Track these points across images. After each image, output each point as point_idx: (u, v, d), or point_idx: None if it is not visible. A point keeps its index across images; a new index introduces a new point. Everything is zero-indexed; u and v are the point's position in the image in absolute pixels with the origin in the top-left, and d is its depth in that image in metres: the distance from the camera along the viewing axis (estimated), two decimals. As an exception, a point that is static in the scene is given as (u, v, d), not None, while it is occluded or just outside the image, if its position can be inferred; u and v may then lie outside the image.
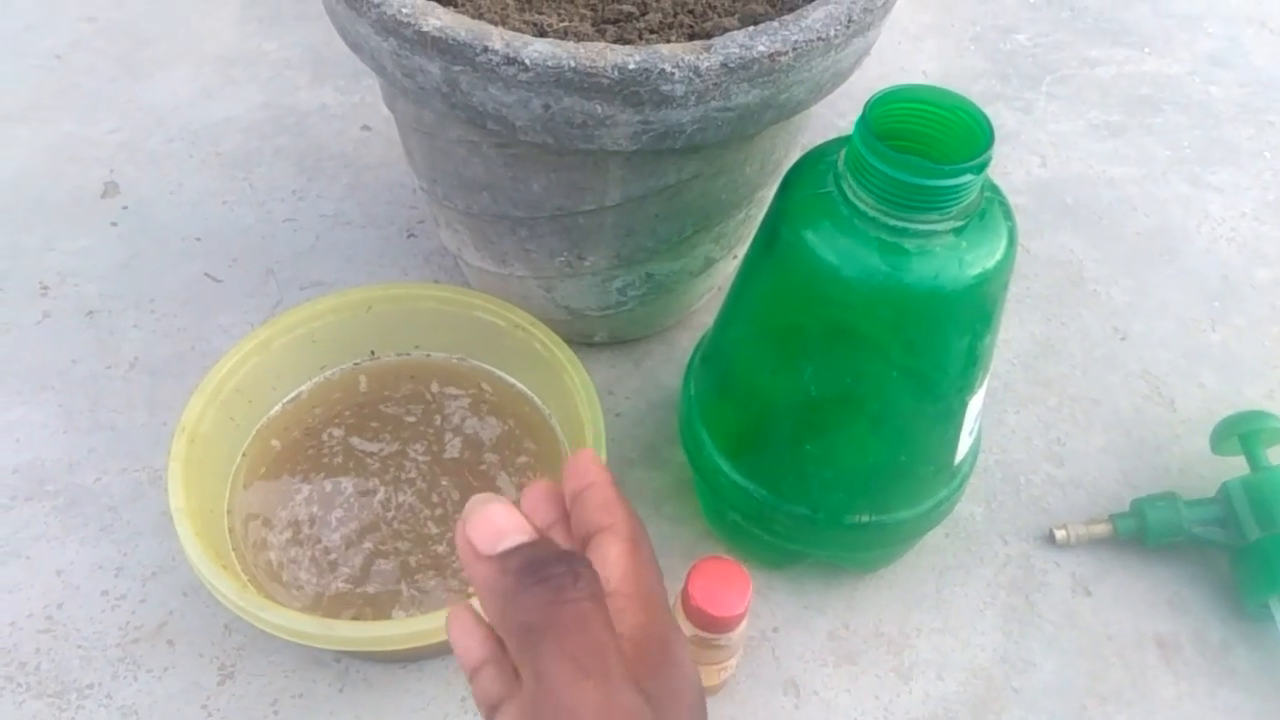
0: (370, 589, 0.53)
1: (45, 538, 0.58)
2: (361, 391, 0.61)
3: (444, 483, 0.57)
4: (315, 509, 0.56)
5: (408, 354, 0.62)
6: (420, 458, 0.58)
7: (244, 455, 0.57)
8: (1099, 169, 0.84)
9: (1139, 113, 0.88)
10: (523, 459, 0.58)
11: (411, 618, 0.46)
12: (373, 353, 0.62)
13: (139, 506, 0.60)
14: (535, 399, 0.60)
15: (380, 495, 0.57)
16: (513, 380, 0.61)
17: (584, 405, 0.54)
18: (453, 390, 0.61)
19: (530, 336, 0.58)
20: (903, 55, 0.92)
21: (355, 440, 0.59)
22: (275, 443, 0.58)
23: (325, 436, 0.59)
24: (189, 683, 0.54)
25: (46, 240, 0.73)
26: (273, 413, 0.59)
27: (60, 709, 0.52)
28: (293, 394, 0.60)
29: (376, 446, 0.59)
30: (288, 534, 0.55)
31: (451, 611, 0.31)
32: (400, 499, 0.56)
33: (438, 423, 0.59)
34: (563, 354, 0.57)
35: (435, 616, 0.46)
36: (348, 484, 0.57)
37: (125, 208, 0.75)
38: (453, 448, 0.58)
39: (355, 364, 0.61)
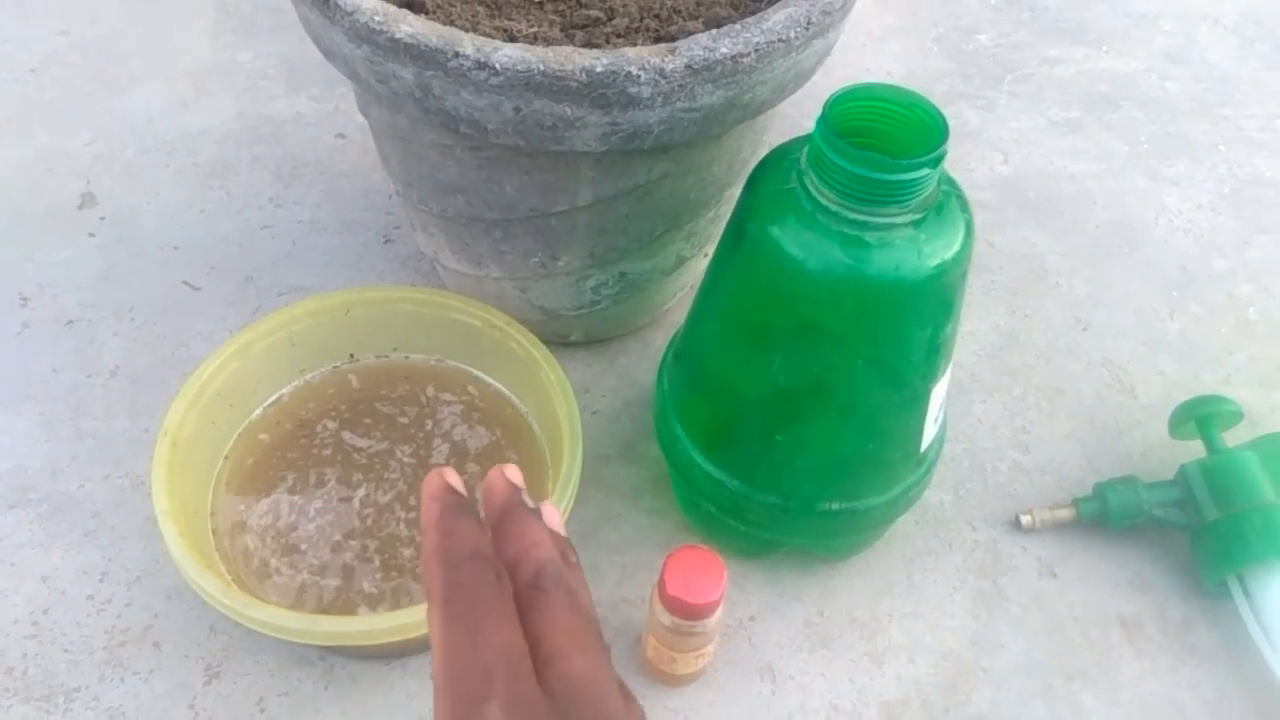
0: (334, 582, 0.54)
1: (30, 544, 0.59)
2: (355, 388, 0.62)
3: None
4: (297, 498, 0.57)
5: (386, 356, 0.63)
6: (406, 459, 0.59)
7: (226, 458, 0.58)
8: (1060, 164, 0.86)
9: (1097, 109, 0.91)
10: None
11: (395, 612, 0.47)
12: (352, 355, 0.62)
13: (122, 512, 0.60)
14: (514, 399, 0.61)
15: (361, 492, 0.57)
16: (491, 380, 0.62)
17: (560, 402, 0.55)
18: (447, 396, 0.61)
19: (506, 336, 0.59)
20: (867, 56, 0.94)
21: (347, 434, 0.60)
22: (264, 436, 0.59)
23: (319, 428, 0.60)
24: (175, 684, 0.54)
25: (25, 252, 0.73)
26: (254, 416, 0.60)
27: (48, 712, 0.53)
28: (273, 397, 0.60)
29: (366, 443, 0.59)
30: (267, 519, 0.56)
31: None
32: (379, 498, 0.57)
33: (429, 427, 0.60)
34: (538, 352, 0.58)
35: (419, 610, 0.47)
36: (331, 476, 0.58)
37: (103, 218, 0.76)
38: (439, 453, 0.59)
39: (335, 367, 0.62)
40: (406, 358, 0.63)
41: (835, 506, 0.54)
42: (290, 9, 0.52)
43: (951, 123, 0.45)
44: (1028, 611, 0.60)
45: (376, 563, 0.55)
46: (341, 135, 0.83)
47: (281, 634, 0.46)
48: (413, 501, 0.57)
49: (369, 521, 0.56)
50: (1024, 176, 0.84)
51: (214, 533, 0.55)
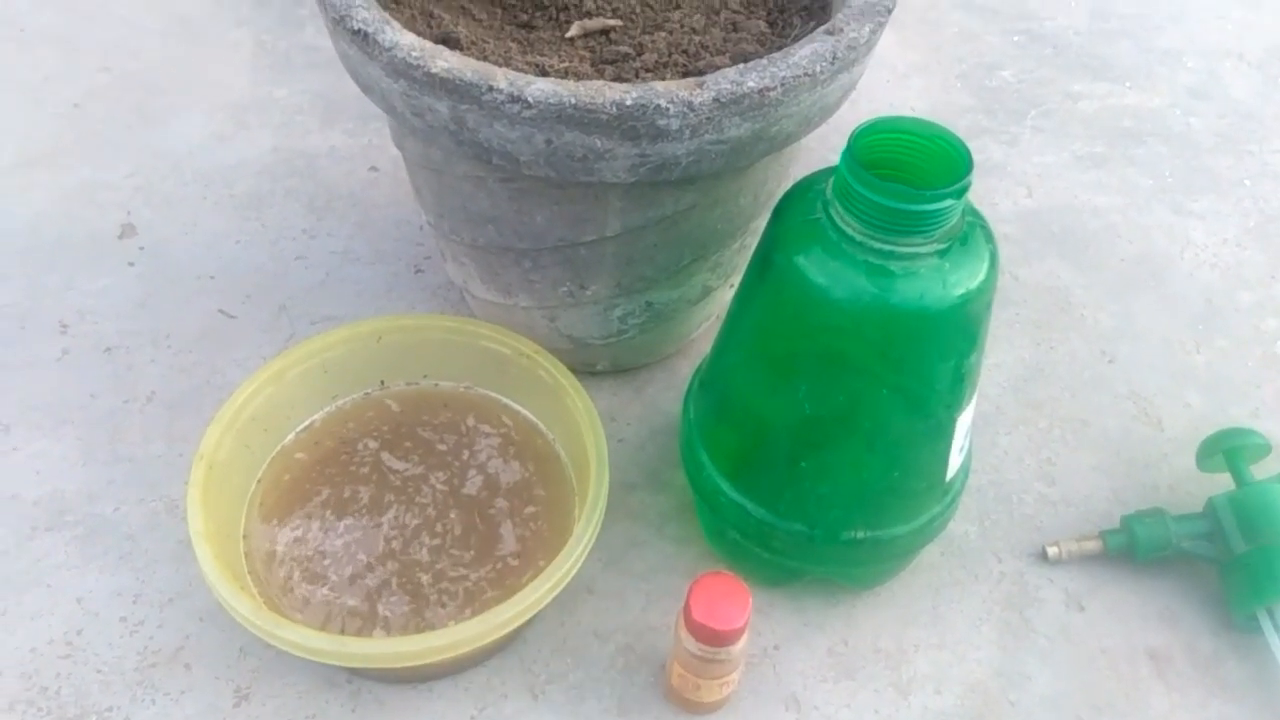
0: (354, 603, 0.55)
1: (65, 566, 0.60)
2: (395, 411, 0.63)
3: (452, 516, 0.59)
4: (329, 514, 0.58)
5: (416, 383, 0.64)
6: (439, 486, 0.60)
7: (259, 482, 0.59)
8: (1084, 198, 0.86)
9: (1121, 144, 0.91)
10: (530, 509, 0.59)
11: (421, 635, 0.47)
12: (383, 382, 0.64)
13: (156, 535, 0.61)
14: (542, 426, 0.62)
15: (391, 514, 0.58)
16: (519, 408, 0.63)
17: (588, 430, 0.56)
18: (486, 428, 0.62)
19: (534, 364, 0.60)
20: (891, 92, 0.95)
21: (386, 455, 0.61)
22: (301, 455, 0.60)
23: (360, 446, 0.61)
24: (205, 705, 0.55)
25: (66, 280, 0.75)
26: (287, 440, 0.61)
27: (81, 731, 0.54)
28: (306, 422, 0.62)
29: (403, 465, 0.60)
30: (298, 533, 0.57)
31: None
32: (408, 521, 0.58)
33: (465, 456, 0.61)
34: (566, 380, 0.59)
35: (447, 633, 0.47)
36: (365, 495, 0.59)
37: (142, 248, 0.78)
38: (472, 484, 0.60)
39: (366, 393, 0.63)
40: (436, 385, 0.64)
41: (860, 535, 0.54)
42: (324, 47, 0.54)
43: (975, 157, 0.45)
44: (1055, 644, 0.59)
45: (394, 585, 0.55)
46: (374, 168, 0.85)
47: (311, 655, 0.47)
48: (439, 529, 0.58)
49: (394, 544, 0.57)
50: (1048, 210, 0.85)
51: (246, 555, 0.56)
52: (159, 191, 0.82)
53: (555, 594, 0.50)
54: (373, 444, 0.61)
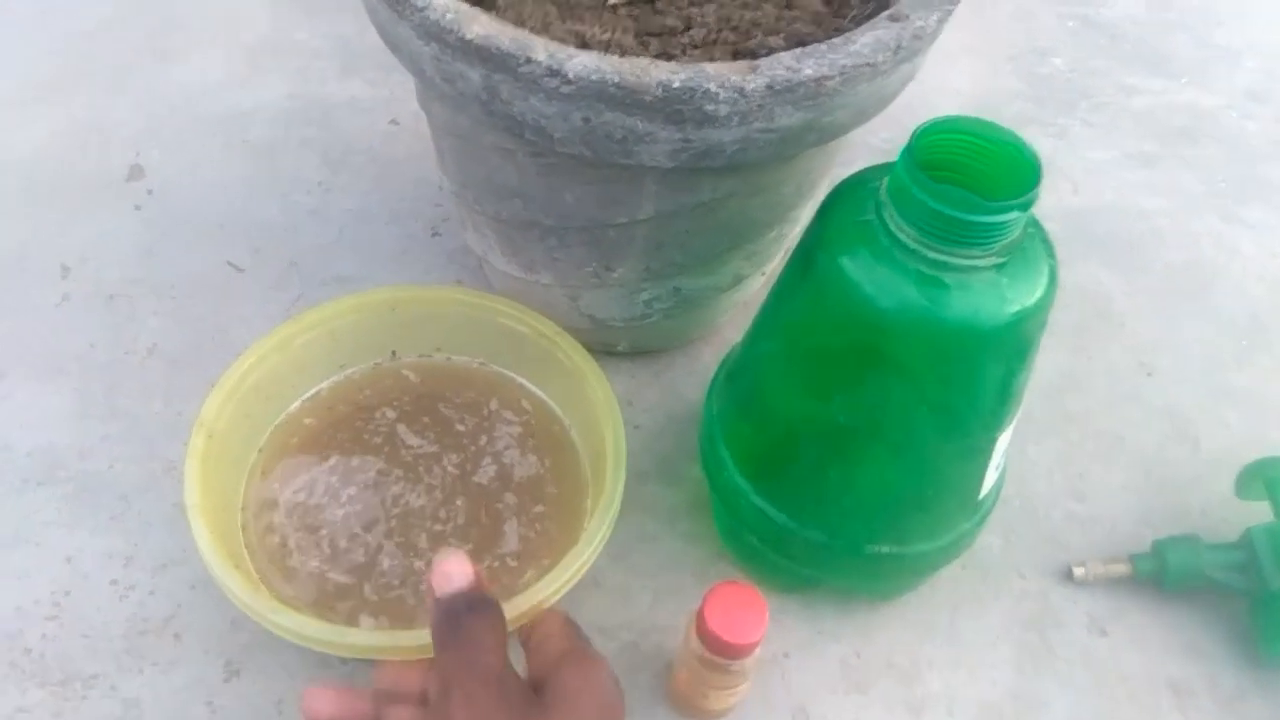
0: (342, 579, 0.53)
1: (55, 524, 0.58)
2: (415, 383, 0.60)
3: (458, 503, 0.56)
4: (335, 479, 0.56)
5: (429, 356, 0.61)
6: (450, 469, 0.57)
7: (260, 451, 0.57)
8: (1131, 199, 0.83)
9: (1174, 144, 0.88)
10: (539, 509, 0.56)
11: (425, 630, 0.45)
12: (394, 353, 0.61)
13: (151, 497, 0.59)
14: (557, 410, 0.60)
15: (396, 490, 0.56)
16: (535, 389, 0.60)
17: (606, 420, 0.54)
18: (509, 415, 0.60)
19: (554, 346, 0.57)
20: (938, 74, 0.91)
21: (403, 428, 0.58)
22: (310, 420, 0.58)
23: (378, 414, 0.59)
24: (194, 678, 0.53)
25: (68, 221, 0.72)
26: (291, 408, 0.58)
27: (64, 698, 0.52)
28: (311, 391, 0.59)
29: (418, 442, 0.58)
30: (300, 495, 0.55)
31: (309, 694, 0.42)
32: (411, 500, 0.56)
33: (482, 442, 0.58)
34: (586, 366, 0.56)
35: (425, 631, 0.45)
36: (373, 466, 0.57)
37: (150, 192, 0.75)
38: (485, 472, 0.57)
39: (375, 363, 0.61)
40: (449, 359, 0.61)
41: (883, 549, 0.52)
42: (354, -8, 0.50)
43: (1029, 148, 0.42)
44: (1074, 669, 0.57)
45: (385, 566, 0.53)
46: (395, 122, 0.82)
47: (308, 643, 0.45)
48: (442, 514, 0.56)
49: (393, 523, 0.55)
50: (1094, 210, 0.81)
51: (243, 527, 0.54)
52: (169, 132, 0.79)
53: (562, 594, 0.47)
54: (390, 414, 0.59)
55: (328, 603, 0.52)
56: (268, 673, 0.54)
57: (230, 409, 0.53)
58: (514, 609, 0.46)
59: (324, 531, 0.54)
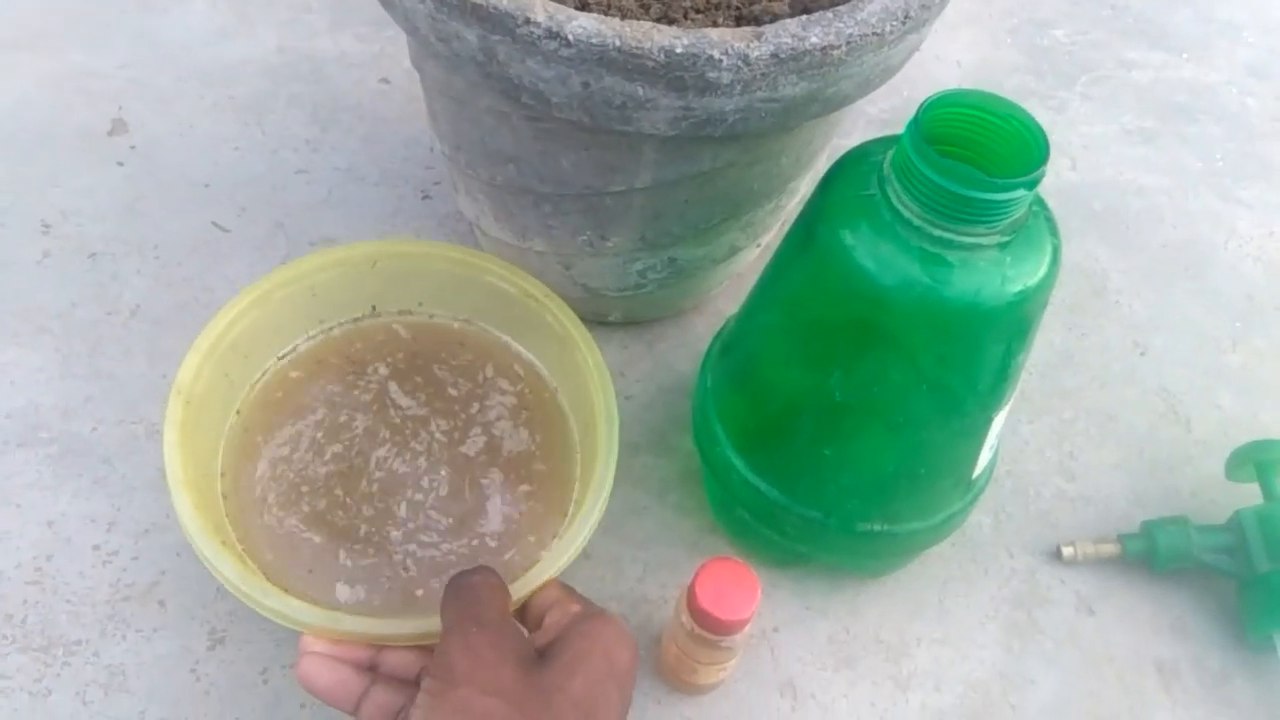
0: (317, 539, 0.51)
1: (37, 486, 0.57)
2: (407, 340, 0.58)
3: (442, 473, 0.54)
4: (320, 435, 0.54)
5: (409, 312, 0.59)
6: (438, 435, 0.55)
7: (238, 413, 0.54)
8: (1129, 176, 0.82)
9: (1173, 120, 0.87)
10: (525, 487, 0.54)
11: (419, 618, 0.44)
12: (374, 308, 0.58)
13: (135, 460, 0.58)
14: (545, 374, 0.58)
15: (381, 452, 0.54)
16: (521, 349, 0.58)
17: (597, 388, 0.52)
18: (504, 384, 0.57)
19: (542, 308, 0.55)
20: (938, 44, 0.90)
21: (394, 386, 0.56)
22: (296, 374, 0.56)
23: (370, 370, 0.57)
24: (178, 645, 0.53)
25: (50, 175, 0.70)
26: (267, 366, 0.56)
27: (46, 664, 0.51)
28: (288, 348, 0.56)
29: (408, 403, 0.56)
30: (284, 450, 0.53)
31: (304, 664, 0.42)
32: (395, 465, 0.54)
33: (474, 410, 0.56)
34: (577, 332, 0.54)
35: (425, 619, 0.44)
36: (360, 424, 0.55)
37: (133, 147, 0.73)
38: (473, 444, 0.55)
39: (355, 319, 0.58)
40: (431, 316, 0.59)
41: (876, 528, 0.52)
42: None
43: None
44: (1062, 648, 0.57)
45: (362, 533, 0.52)
46: (385, 80, 0.80)
47: (301, 628, 0.44)
48: (425, 483, 0.54)
49: (375, 487, 0.53)
50: (1091, 185, 0.81)
51: (224, 495, 0.52)
52: (154, 86, 0.77)
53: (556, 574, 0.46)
54: (383, 370, 0.57)
55: (305, 565, 0.50)
56: (253, 640, 0.53)
57: (208, 371, 0.51)
58: (518, 589, 0.45)
59: (304, 489, 0.52)
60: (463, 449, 0.55)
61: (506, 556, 0.52)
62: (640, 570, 0.58)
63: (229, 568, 0.44)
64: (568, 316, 0.54)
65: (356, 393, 0.56)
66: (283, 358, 0.56)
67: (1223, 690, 0.57)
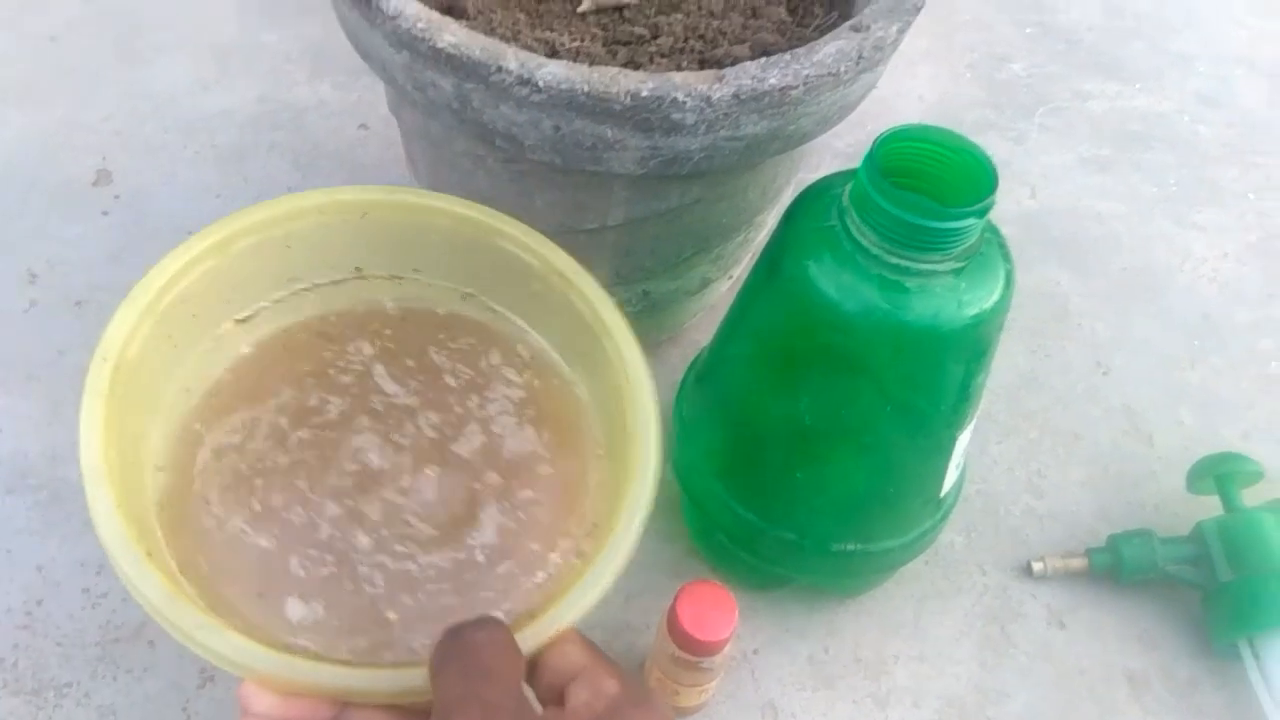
0: (264, 544, 0.41)
1: (26, 531, 0.58)
2: (394, 316, 0.48)
3: (428, 473, 0.44)
4: (284, 420, 0.44)
5: (400, 277, 0.48)
6: (427, 430, 0.45)
7: (186, 390, 0.43)
8: (1087, 203, 0.85)
9: (1129, 148, 0.90)
10: (527, 494, 0.44)
11: (401, 666, 0.35)
12: (358, 269, 0.48)
13: (123, 503, 0.59)
14: (561, 365, 0.47)
15: (357, 442, 0.44)
16: (537, 336, 0.48)
17: (630, 386, 0.42)
18: (510, 374, 0.47)
19: (568, 287, 0.45)
20: (899, 79, 0.93)
21: (380, 369, 0.46)
22: (247, 350, 0.46)
23: (350, 348, 0.47)
24: (169, 684, 0.54)
25: (36, 226, 0.72)
26: (224, 330, 0.44)
27: (38, 707, 0.52)
28: (251, 309, 0.45)
29: (395, 389, 0.46)
30: (235, 437, 0.43)
31: (243, 691, 0.33)
32: (373, 460, 0.44)
33: (472, 403, 0.46)
34: (611, 319, 0.44)
35: (410, 671, 0.35)
36: (335, 409, 0.45)
37: (117, 197, 0.75)
38: (468, 442, 0.45)
39: (334, 281, 0.47)
40: (429, 283, 0.48)
41: (850, 547, 0.53)
42: (321, -4, 0.50)
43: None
44: (1034, 661, 0.59)
45: (324, 535, 0.41)
46: (364, 126, 0.82)
47: (238, 670, 0.34)
48: (405, 483, 0.43)
49: (346, 482, 0.43)
50: (1050, 213, 0.83)
51: (163, 492, 0.40)
52: (137, 137, 0.78)
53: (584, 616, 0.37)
54: (367, 349, 0.47)
55: (251, 576, 0.40)
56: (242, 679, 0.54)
57: (146, 330, 0.40)
58: (530, 639, 0.35)
59: (258, 483, 0.42)
60: (455, 447, 0.45)
61: (501, 569, 0.42)
62: (623, 598, 0.59)
63: (154, 587, 0.34)
64: (601, 301, 0.45)
65: (333, 373, 0.46)
66: (242, 320, 0.45)
67: (1192, 698, 0.59)
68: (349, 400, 0.45)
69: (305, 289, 0.47)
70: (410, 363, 0.47)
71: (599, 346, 0.44)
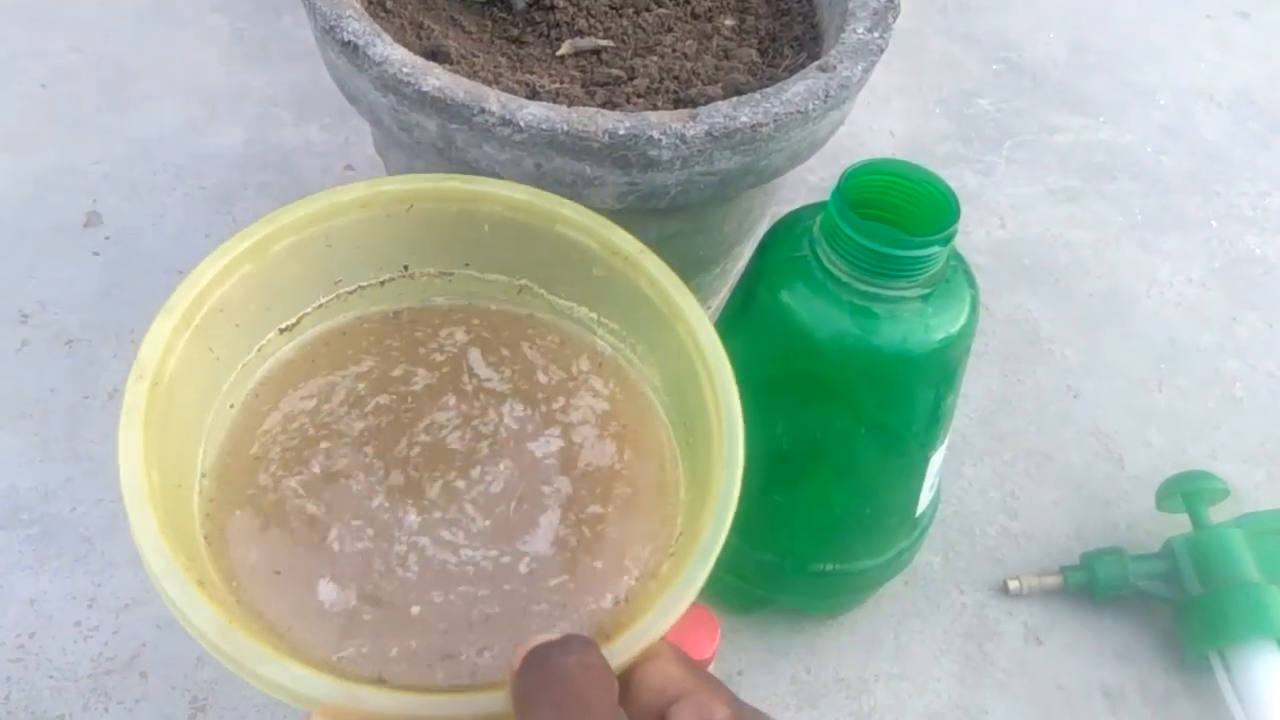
0: (311, 508, 0.38)
1: (18, 566, 0.59)
2: (495, 310, 0.44)
3: (500, 466, 0.41)
4: (363, 386, 0.42)
5: (450, 274, 0.44)
6: (509, 422, 0.42)
7: (231, 407, 0.39)
8: (1056, 232, 0.87)
9: (1095, 179, 0.93)
10: (594, 509, 0.40)
11: (477, 691, 0.33)
12: (406, 267, 0.44)
13: (114, 537, 0.60)
14: (636, 363, 0.43)
15: (436, 418, 0.41)
16: (607, 334, 0.44)
17: (707, 376, 0.39)
18: (598, 384, 0.43)
19: (634, 270, 0.41)
20: (871, 115, 0.96)
21: (475, 353, 0.44)
22: (323, 329, 0.43)
23: (443, 333, 0.44)
24: (161, 715, 0.54)
25: (28, 268, 0.73)
26: (264, 341, 0.41)
27: (30, 740, 0.53)
28: (294, 317, 0.42)
29: (488, 374, 0.43)
30: (310, 403, 0.41)
31: None
32: (449, 439, 0.41)
33: (558, 405, 0.43)
34: (684, 302, 0.40)
35: (489, 698, 0.32)
36: (420, 383, 0.42)
37: (107, 238, 0.76)
38: (545, 444, 0.42)
39: (381, 281, 0.44)
40: (481, 277, 0.44)
41: (829, 568, 0.55)
42: (303, 37, 0.53)
43: (951, 185, 0.46)
44: (1013, 678, 0.60)
45: (371, 508, 0.38)
46: (350, 167, 0.84)
47: (299, 703, 0.31)
48: (474, 473, 0.40)
49: (414, 452, 0.40)
50: (1020, 242, 0.86)
51: (207, 499, 0.37)
52: (127, 180, 0.80)
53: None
54: (461, 336, 0.44)
55: (284, 553, 0.37)
56: (235, 708, 0.55)
57: (183, 343, 0.37)
58: (620, 653, 0.31)
59: (324, 445, 0.39)
60: (530, 445, 0.42)
61: (553, 583, 0.38)
62: (608, 622, 0.60)
63: (206, 618, 0.31)
64: (670, 281, 0.41)
65: (423, 351, 0.43)
66: (286, 329, 0.42)
67: (1167, 712, 0.60)
68: (436, 375, 0.42)
69: (350, 291, 0.43)
70: (505, 351, 0.44)
71: (667, 332, 0.41)
